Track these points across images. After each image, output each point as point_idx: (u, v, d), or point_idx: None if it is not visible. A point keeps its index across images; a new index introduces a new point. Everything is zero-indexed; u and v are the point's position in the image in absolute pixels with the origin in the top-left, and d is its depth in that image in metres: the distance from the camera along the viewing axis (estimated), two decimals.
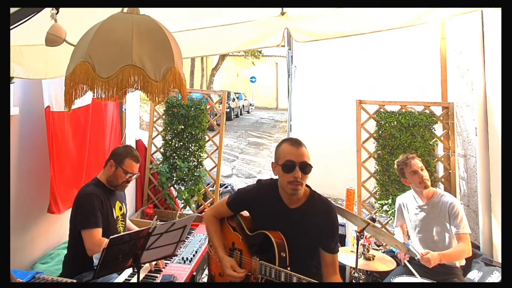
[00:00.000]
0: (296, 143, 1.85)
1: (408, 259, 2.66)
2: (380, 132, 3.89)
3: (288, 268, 1.77)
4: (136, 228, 2.83)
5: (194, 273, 2.48)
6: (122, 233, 2.33)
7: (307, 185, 1.93)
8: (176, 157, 4.50)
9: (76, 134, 3.19)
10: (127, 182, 2.51)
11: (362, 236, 2.21)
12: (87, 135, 3.34)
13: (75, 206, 2.40)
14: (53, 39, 1.59)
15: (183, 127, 4.48)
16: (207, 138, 4.53)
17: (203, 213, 4.29)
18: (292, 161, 1.78)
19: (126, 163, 2.46)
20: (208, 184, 4.65)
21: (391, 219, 3.77)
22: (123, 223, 2.62)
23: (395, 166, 2.84)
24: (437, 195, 2.70)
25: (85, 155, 3.30)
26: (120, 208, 2.60)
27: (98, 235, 2.27)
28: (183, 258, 2.59)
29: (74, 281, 2.09)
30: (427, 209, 2.69)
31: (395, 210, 3.03)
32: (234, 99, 20.69)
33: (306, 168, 1.79)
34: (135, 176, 2.54)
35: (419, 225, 2.72)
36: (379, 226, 3.70)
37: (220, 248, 1.99)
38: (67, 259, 2.47)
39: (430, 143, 3.75)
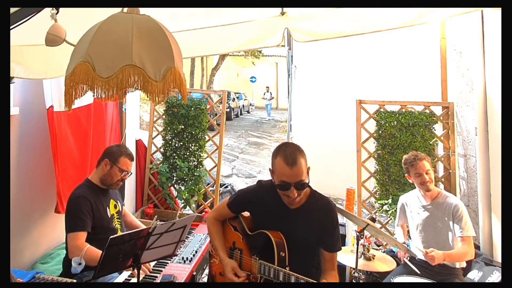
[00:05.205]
0: (291, 160, 1.72)
1: (408, 258, 2.66)
2: (380, 132, 3.89)
3: (287, 268, 1.77)
4: (139, 223, 2.85)
5: (194, 273, 2.49)
6: (122, 233, 2.33)
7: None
8: (176, 157, 4.50)
9: (78, 134, 3.19)
10: (121, 181, 2.53)
11: (362, 236, 2.21)
12: (89, 134, 3.33)
13: (66, 210, 2.42)
14: (53, 39, 1.59)
15: (183, 127, 4.48)
16: (207, 138, 4.53)
17: (203, 213, 4.30)
18: (287, 183, 1.74)
19: (121, 161, 2.48)
20: (208, 184, 4.65)
21: (391, 219, 3.77)
22: (119, 220, 2.62)
23: (403, 161, 2.81)
24: (442, 196, 2.69)
25: (88, 155, 3.29)
26: (115, 206, 2.61)
27: (81, 238, 2.26)
28: (183, 258, 2.59)
29: (74, 281, 2.09)
30: (431, 209, 2.68)
31: (396, 209, 3.02)
32: (234, 99, 20.65)
33: (301, 186, 1.76)
34: (129, 174, 2.55)
35: (422, 225, 2.71)
36: (379, 226, 3.71)
37: (221, 250, 2.00)
38: (66, 260, 2.47)
39: (430, 143, 3.75)
